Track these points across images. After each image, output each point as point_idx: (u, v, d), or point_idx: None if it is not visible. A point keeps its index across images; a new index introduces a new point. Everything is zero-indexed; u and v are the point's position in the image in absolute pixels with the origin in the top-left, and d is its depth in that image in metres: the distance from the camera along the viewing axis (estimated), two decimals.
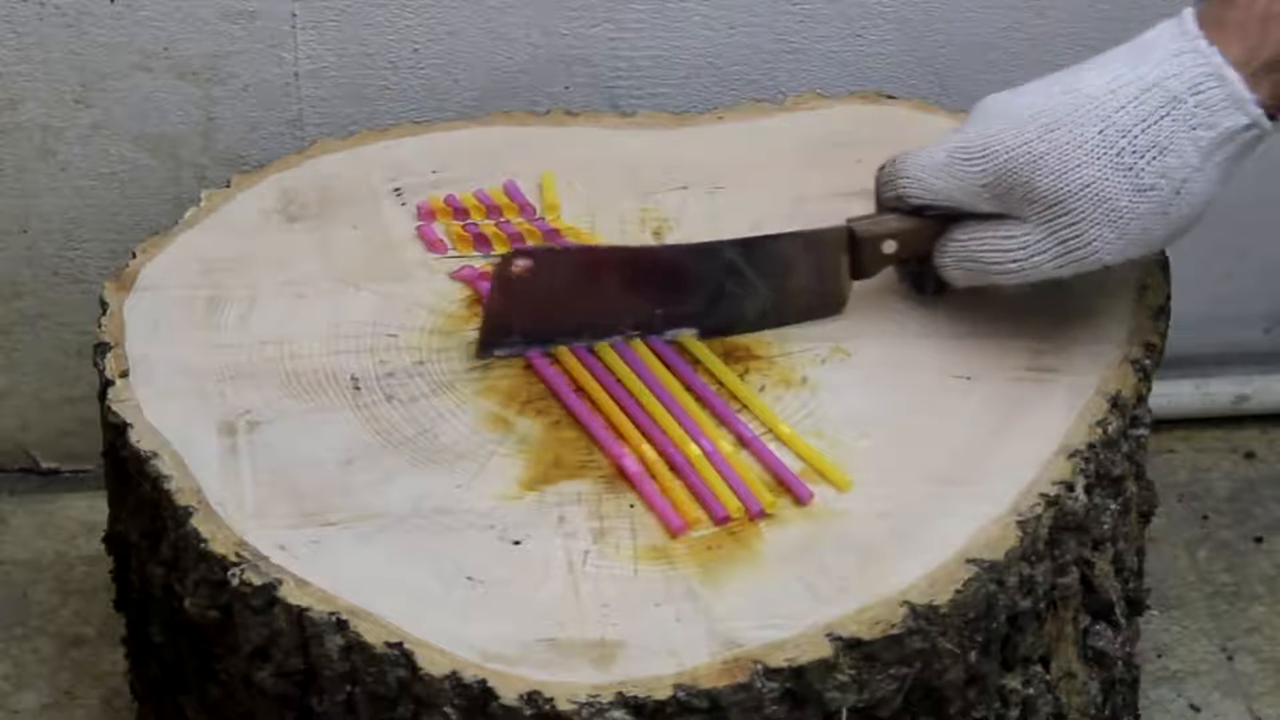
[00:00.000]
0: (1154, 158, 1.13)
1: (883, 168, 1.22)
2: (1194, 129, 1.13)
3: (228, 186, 1.35)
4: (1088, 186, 1.13)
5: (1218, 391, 1.66)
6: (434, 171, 1.36)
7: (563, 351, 1.21)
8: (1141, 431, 1.24)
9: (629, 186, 1.35)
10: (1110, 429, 1.19)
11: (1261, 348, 1.66)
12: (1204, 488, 1.61)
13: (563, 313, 1.20)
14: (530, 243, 1.29)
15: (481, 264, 1.29)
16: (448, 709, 1.04)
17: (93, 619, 1.50)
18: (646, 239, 1.31)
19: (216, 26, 1.47)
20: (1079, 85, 1.15)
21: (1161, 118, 1.13)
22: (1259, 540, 1.57)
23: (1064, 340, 1.23)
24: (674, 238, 1.31)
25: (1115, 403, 1.20)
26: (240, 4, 1.46)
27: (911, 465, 1.16)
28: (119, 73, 1.48)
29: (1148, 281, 1.27)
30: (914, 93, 1.49)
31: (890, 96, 1.44)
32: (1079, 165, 1.13)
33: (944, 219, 1.20)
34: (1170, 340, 1.27)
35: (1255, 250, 1.62)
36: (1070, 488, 1.15)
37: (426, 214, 1.33)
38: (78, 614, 1.51)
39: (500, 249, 1.30)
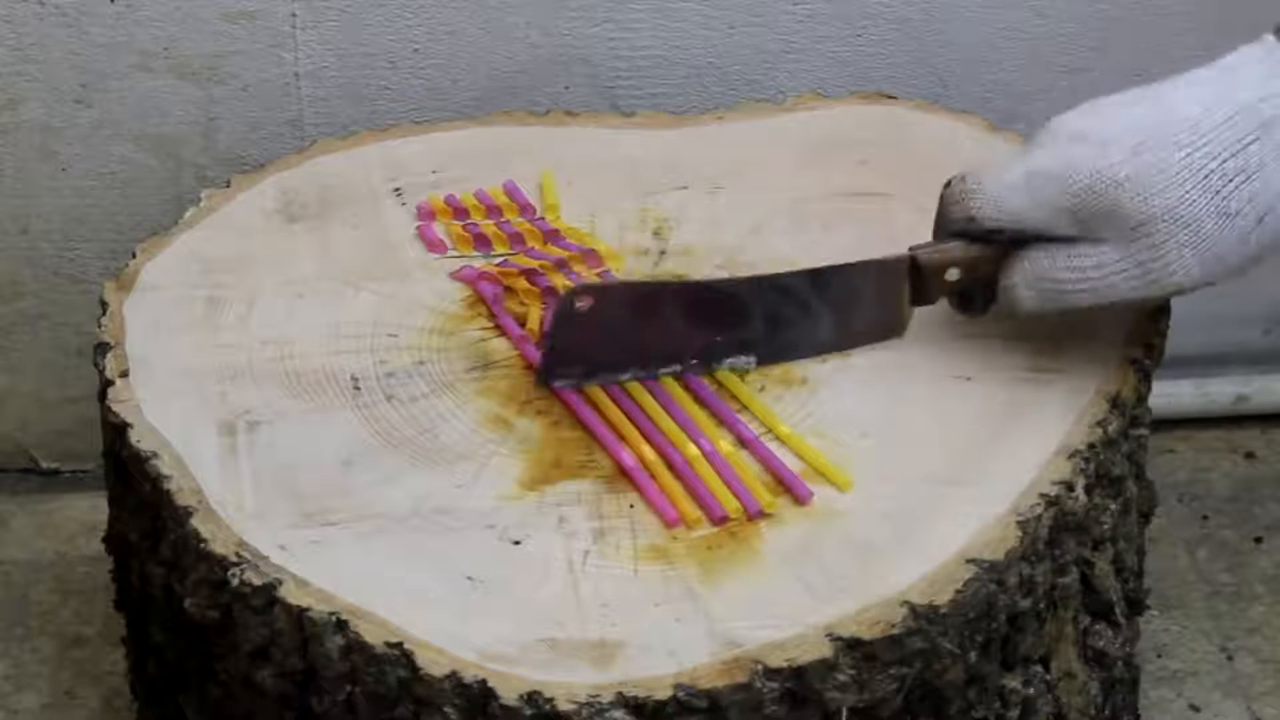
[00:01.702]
0: (1241, 183, 1.11)
1: (949, 185, 1.19)
2: None
3: (228, 186, 1.35)
4: (1173, 210, 1.11)
5: (1218, 391, 1.65)
6: (434, 171, 1.36)
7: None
8: (1141, 431, 1.24)
9: (629, 186, 1.35)
10: (1110, 429, 1.19)
11: (1261, 348, 1.66)
12: (1204, 488, 1.61)
13: (623, 344, 1.19)
14: (586, 278, 1.27)
15: (482, 264, 1.29)
16: (448, 709, 1.04)
17: (93, 619, 1.50)
18: (647, 239, 1.31)
19: (216, 26, 1.47)
20: (1165, 104, 1.13)
21: (1251, 143, 1.11)
22: (1259, 540, 1.57)
23: (1064, 340, 1.22)
24: (674, 237, 1.31)
25: (1115, 403, 1.20)
26: (240, 4, 1.46)
27: (911, 465, 1.16)
28: (119, 73, 1.48)
29: None
30: (914, 93, 1.49)
31: (890, 96, 1.43)
32: (1166, 188, 1.11)
33: (1009, 246, 1.17)
34: (1170, 340, 1.27)
35: None
36: (1070, 488, 1.15)
37: (426, 214, 1.33)
38: (78, 614, 1.50)
39: (500, 249, 1.30)
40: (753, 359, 1.21)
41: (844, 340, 1.22)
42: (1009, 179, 1.16)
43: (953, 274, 1.19)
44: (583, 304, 1.17)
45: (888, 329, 1.22)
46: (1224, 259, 1.13)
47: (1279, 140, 1.12)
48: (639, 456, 1.15)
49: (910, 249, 1.20)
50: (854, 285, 1.21)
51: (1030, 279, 1.17)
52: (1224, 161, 1.12)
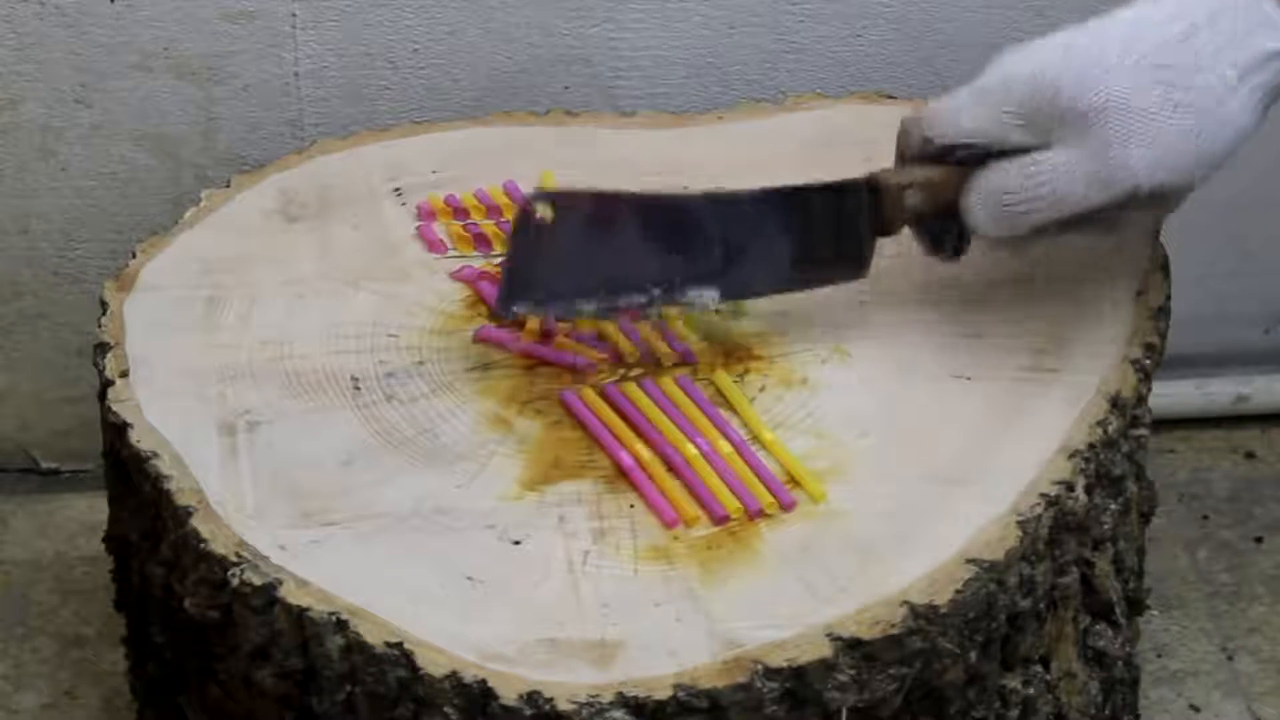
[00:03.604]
0: (1186, 74, 1.10)
1: (905, 118, 1.19)
2: (1226, 48, 1.10)
3: (228, 186, 1.35)
4: (1115, 99, 1.11)
5: (1218, 391, 1.66)
6: (434, 171, 1.36)
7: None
8: (1141, 431, 1.24)
9: (629, 186, 1.35)
10: (1110, 429, 1.19)
11: (1261, 348, 1.66)
12: (1204, 488, 1.61)
13: (583, 266, 1.17)
14: (540, 189, 1.25)
15: (482, 264, 1.29)
16: (448, 709, 1.04)
17: (93, 619, 1.50)
18: None
19: (216, 26, 1.47)
20: (1106, 15, 1.13)
21: (1194, 34, 1.11)
22: (1259, 540, 1.57)
23: (1064, 340, 1.22)
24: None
25: (1115, 403, 1.20)
26: (240, 4, 1.46)
27: (911, 465, 1.16)
28: (119, 73, 1.48)
29: (1148, 282, 1.27)
30: (914, 93, 1.49)
31: (890, 96, 1.44)
32: (1106, 74, 1.11)
33: (968, 168, 1.17)
34: (1170, 340, 1.27)
35: (1256, 250, 1.62)
36: (1070, 488, 1.15)
37: (426, 214, 1.33)
38: (78, 614, 1.51)
39: (500, 249, 1.30)
40: (715, 292, 1.20)
41: (807, 274, 1.20)
42: (960, 96, 1.17)
43: (913, 197, 1.19)
44: (542, 214, 1.15)
45: (851, 263, 1.21)
46: (1177, 153, 1.11)
47: (1223, 32, 1.11)
48: (637, 457, 1.15)
49: (869, 173, 1.20)
50: (812, 207, 1.19)
51: (985, 195, 1.16)
52: (1167, 53, 1.11)
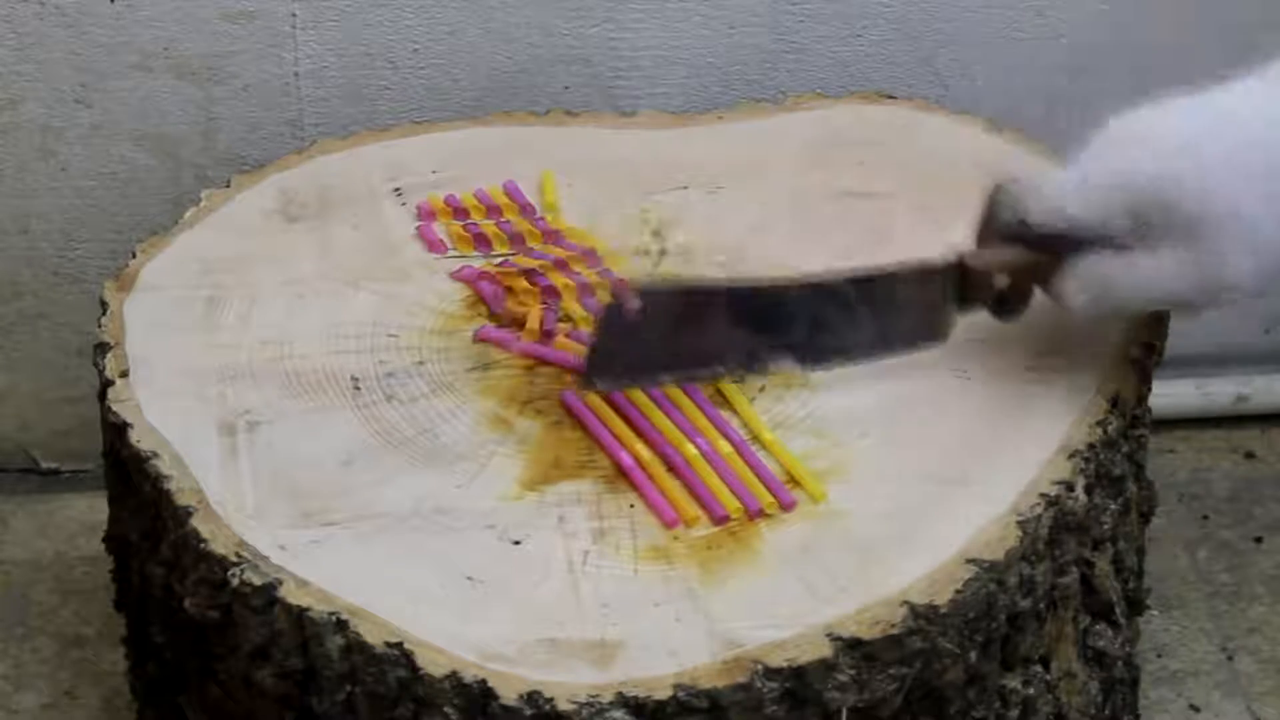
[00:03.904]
0: None
1: (998, 189, 1.17)
2: None
3: (228, 186, 1.35)
4: (1233, 210, 1.11)
5: (1218, 391, 1.66)
6: (434, 171, 1.36)
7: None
8: (1141, 431, 1.24)
9: (629, 186, 1.35)
10: (1110, 429, 1.19)
11: (1261, 348, 1.66)
12: (1204, 488, 1.61)
13: (666, 347, 1.17)
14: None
15: (482, 264, 1.29)
16: (448, 709, 1.04)
17: (93, 619, 1.50)
18: (647, 239, 1.31)
19: (216, 26, 1.47)
20: (1221, 107, 1.12)
21: None
22: (1259, 540, 1.57)
23: (1064, 340, 1.22)
24: (674, 237, 1.31)
25: (1115, 403, 1.20)
26: (240, 4, 1.46)
27: (911, 465, 1.16)
28: (119, 73, 1.48)
29: None
30: (914, 93, 1.49)
31: (890, 96, 1.43)
32: (1224, 187, 1.10)
33: (1060, 253, 1.16)
34: (1170, 340, 1.27)
35: None
36: (1070, 488, 1.15)
37: (426, 214, 1.33)
38: (78, 614, 1.50)
39: (500, 249, 1.30)
40: (795, 363, 1.19)
41: (888, 345, 1.20)
42: (1064, 181, 1.15)
43: (1001, 280, 1.18)
44: (631, 307, 1.16)
45: (932, 334, 1.20)
46: (1278, 261, 1.12)
47: None
48: (637, 457, 1.15)
49: (958, 253, 1.18)
50: (900, 290, 1.19)
51: (1087, 285, 1.15)
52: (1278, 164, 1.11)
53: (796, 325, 1.18)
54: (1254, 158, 1.11)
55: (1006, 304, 1.20)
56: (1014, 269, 1.18)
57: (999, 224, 1.17)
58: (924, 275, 1.19)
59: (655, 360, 1.17)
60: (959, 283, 1.18)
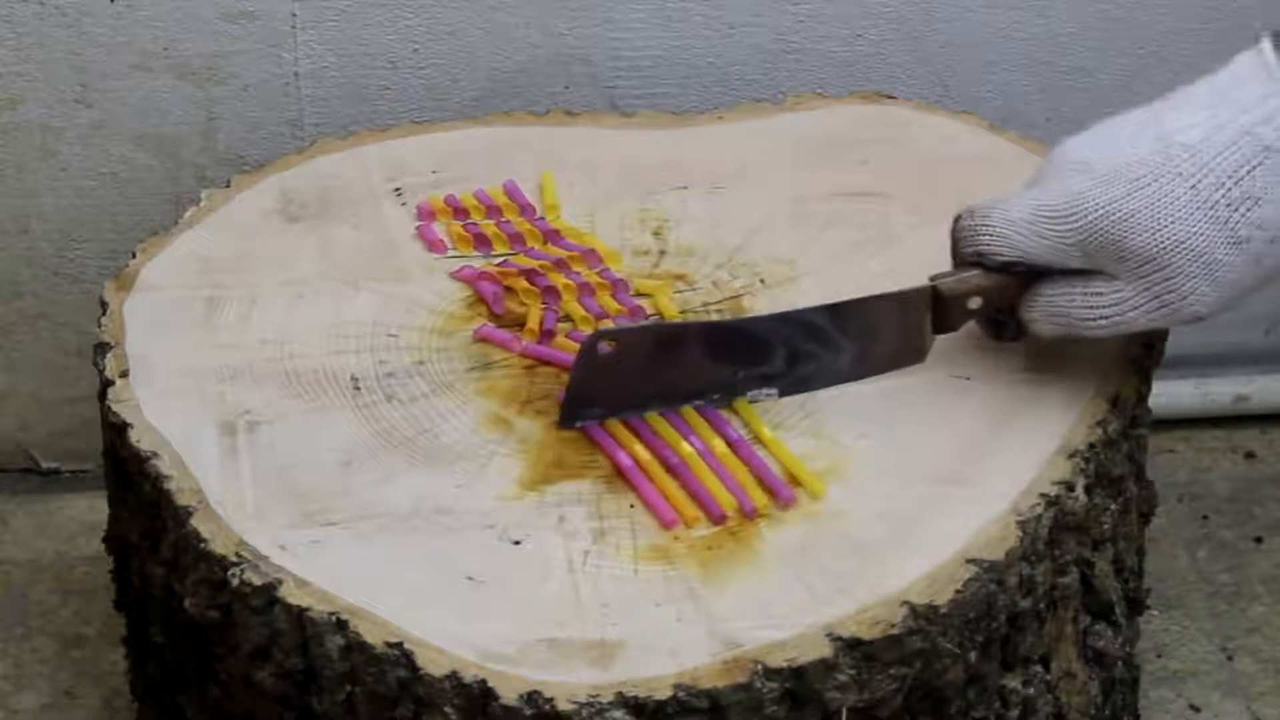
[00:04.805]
0: (1248, 209, 1.10)
1: (958, 220, 1.18)
2: None
3: (228, 186, 1.35)
4: (1182, 243, 1.11)
5: (1218, 391, 1.65)
6: (434, 171, 1.36)
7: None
8: (1141, 431, 1.24)
9: (629, 186, 1.35)
10: (1110, 429, 1.19)
11: (1261, 348, 1.66)
12: (1204, 488, 1.61)
13: (645, 384, 1.17)
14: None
15: (482, 264, 1.29)
16: (448, 709, 1.04)
17: (93, 619, 1.50)
18: (647, 239, 1.31)
19: (216, 26, 1.47)
20: (1164, 132, 1.12)
21: (1254, 167, 1.10)
22: (1259, 540, 1.57)
23: (1064, 340, 1.22)
24: (674, 237, 1.31)
25: (1115, 403, 1.20)
26: (240, 4, 1.46)
27: (911, 465, 1.16)
28: (119, 73, 1.48)
29: None
30: (914, 93, 1.49)
31: (890, 96, 1.43)
32: (1172, 221, 1.11)
33: (1029, 275, 1.17)
34: (1170, 340, 1.27)
35: None
36: (1070, 488, 1.15)
37: (426, 214, 1.33)
38: (78, 614, 1.50)
39: (500, 249, 1.30)
40: (774, 391, 1.20)
41: (866, 369, 1.20)
42: (1015, 215, 1.15)
43: (974, 302, 1.18)
44: (606, 350, 1.16)
45: (909, 356, 1.21)
46: (1239, 284, 1.12)
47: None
48: (635, 457, 1.15)
49: (931, 278, 1.19)
50: (875, 317, 1.19)
51: (1047, 314, 1.16)
52: (1229, 190, 1.10)
53: (774, 356, 1.19)
54: (1199, 186, 1.11)
55: (999, 325, 1.20)
56: (986, 292, 1.18)
57: (960, 254, 1.18)
58: (900, 302, 1.19)
59: (634, 395, 1.18)
60: (934, 307, 1.19)
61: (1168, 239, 1.11)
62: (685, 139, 1.39)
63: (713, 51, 1.51)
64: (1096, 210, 1.12)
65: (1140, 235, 1.11)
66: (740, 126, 1.41)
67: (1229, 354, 1.65)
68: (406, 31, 1.49)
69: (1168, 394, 1.60)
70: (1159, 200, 1.11)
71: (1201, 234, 1.11)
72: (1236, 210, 1.11)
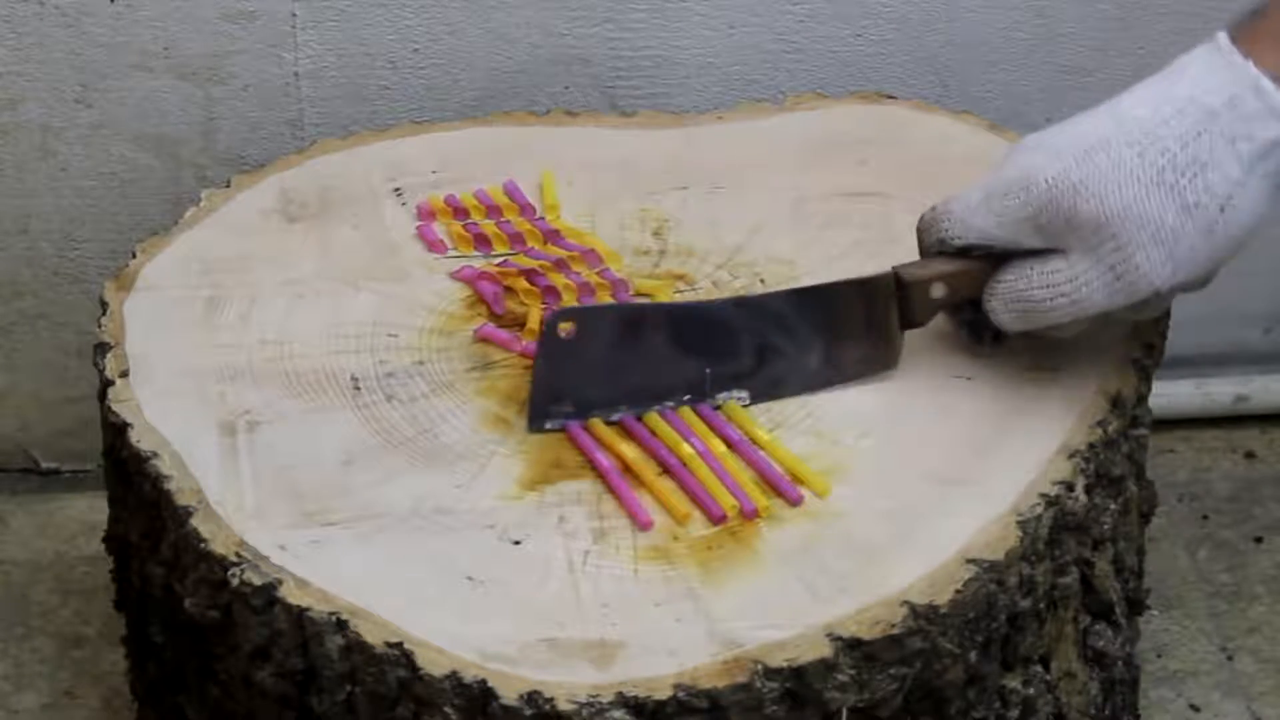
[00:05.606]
0: (1195, 174, 1.11)
1: (923, 216, 1.19)
2: (1233, 142, 1.11)
3: (228, 186, 1.35)
4: (1130, 208, 1.11)
5: (1218, 391, 1.66)
6: (434, 171, 1.36)
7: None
8: (1141, 431, 1.24)
9: (629, 186, 1.35)
10: (1110, 429, 1.19)
11: (1261, 348, 1.66)
12: (1204, 488, 1.61)
13: (611, 377, 1.17)
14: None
15: (482, 264, 1.29)
16: (448, 709, 1.04)
17: (93, 619, 1.50)
18: (647, 239, 1.31)
19: (216, 26, 1.47)
20: (1115, 110, 1.13)
21: (1200, 133, 1.11)
22: (1259, 540, 1.57)
23: (1064, 340, 1.22)
24: (674, 237, 1.31)
25: (1115, 403, 1.20)
26: (240, 4, 1.46)
27: (912, 465, 1.16)
28: (119, 73, 1.48)
29: None
30: (914, 93, 1.49)
31: (890, 96, 1.44)
32: (1120, 186, 1.11)
33: (991, 261, 1.17)
34: (1170, 340, 1.27)
35: (1256, 250, 1.62)
36: (1070, 488, 1.15)
37: (426, 214, 1.33)
38: (78, 614, 1.51)
39: (500, 249, 1.30)
40: (745, 394, 1.19)
41: (837, 371, 1.20)
42: (973, 198, 1.16)
43: (938, 290, 1.19)
44: (566, 330, 1.16)
45: (880, 357, 1.21)
46: (1195, 251, 1.12)
47: (1226, 127, 1.11)
48: (619, 458, 1.15)
49: (893, 266, 1.19)
50: (839, 304, 1.19)
51: (1006, 300, 1.17)
52: (1175, 155, 1.11)
53: (742, 350, 1.19)
54: (1146, 153, 1.11)
55: (975, 329, 1.20)
56: (949, 279, 1.18)
57: (925, 247, 1.19)
58: (862, 288, 1.19)
59: (601, 392, 1.17)
60: (899, 297, 1.19)
61: (1116, 205, 1.11)
62: (685, 139, 1.40)
63: (713, 51, 1.51)
64: (1046, 180, 1.13)
65: (1089, 202, 1.12)
66: (740, 126, 1.41)
67: (1229, 354, 1.65)
68: (406, 31, 1.49)
69: (1168, 394, 1.60)
70: (1107, 168, 1.12)
71: (1150, 199, 1.11)
72: (1184, 175, 1.11)
